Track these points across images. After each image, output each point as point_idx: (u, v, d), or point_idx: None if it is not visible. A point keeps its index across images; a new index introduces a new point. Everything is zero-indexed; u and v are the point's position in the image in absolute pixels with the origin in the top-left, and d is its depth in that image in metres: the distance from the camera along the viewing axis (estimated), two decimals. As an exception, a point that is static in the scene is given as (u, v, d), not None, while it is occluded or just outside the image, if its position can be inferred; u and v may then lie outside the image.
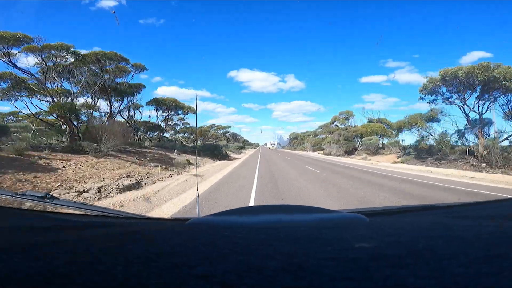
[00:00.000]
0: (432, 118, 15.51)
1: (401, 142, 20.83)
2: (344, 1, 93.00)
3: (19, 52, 10.36)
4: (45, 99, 11.30)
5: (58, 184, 5.23)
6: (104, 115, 15.28)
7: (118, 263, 0.34)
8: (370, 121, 27.94)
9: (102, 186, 5.44)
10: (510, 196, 4.72)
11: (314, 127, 56.72)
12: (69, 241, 0.48)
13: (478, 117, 12.87)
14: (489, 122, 12.94)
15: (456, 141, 13.82)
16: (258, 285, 0.28)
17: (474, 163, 10.94)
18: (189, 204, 4.44)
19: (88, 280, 0.30)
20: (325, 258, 0.35)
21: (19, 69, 10.38)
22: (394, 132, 24.84)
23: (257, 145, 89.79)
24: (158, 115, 21.20)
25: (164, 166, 9.40)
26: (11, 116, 19.67)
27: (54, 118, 11.69)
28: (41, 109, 11.65)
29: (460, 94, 12.93)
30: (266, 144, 77.70)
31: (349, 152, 25.88)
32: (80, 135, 11.04)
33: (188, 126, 29.46)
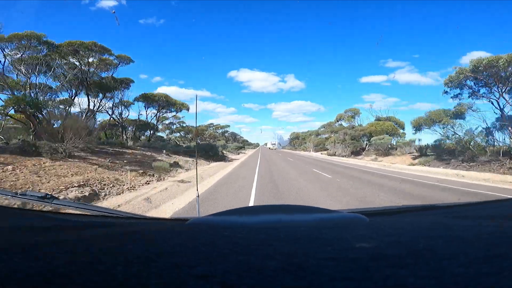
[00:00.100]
0: (459, 114, 13.26)
1: (417, 141, 18.56)
2: (344, 1, 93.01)
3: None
4: (8, 93, 10.01)
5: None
6: (85, 112, 14.05)
7: (118, 263, 0.34)
8: (377, 119, 26.21)
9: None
10: (510, 196, 4.72)
11: (314, 127, 55.77)
12: (69, 241, 0.48)
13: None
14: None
15: (487, 141, 12.09)
16: (258, 285, 0.28)
17: (513, 166, 9.24)
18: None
19: (88, 280, 0.30)
20: (325, 258, 0.35)
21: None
22: (402, 131, 23.65)
23: (257, 145, 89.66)
24: (149, 113, 19.92)
25: (142, 171, 7.80)
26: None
27: (18, 113, 10.43)
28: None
29: (495, 86, 11.39)
30: (266, 144, 76.63)
31: (356, 153, 24.21)
32: (46, 133, 9.48)
33: (185, 125, 28.48)
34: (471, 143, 12.07)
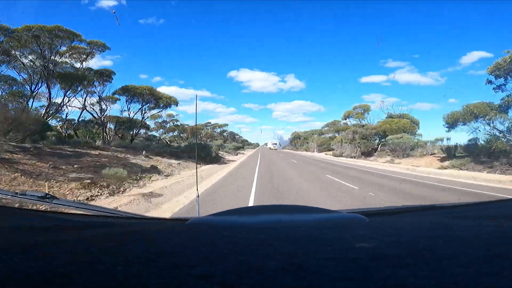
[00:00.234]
0: (509, 107, 11.03)
1: (445, 140, 15.60)
2: (344, 1, 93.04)
3: None
4: None
5: None
6: (45, 107, 12.29)
7: (118, 263, 0.34)
8: (390, 116, 23.49)
9: None
10: (510, 197, 4.72)
11: (314, 127, 53.90)
12: (69, 241, 0.48)
13: None
14: None
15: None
16: (258, 285, 0.28)
17: None
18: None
19: (88, 280, 0.30)
20: (325, 258, 0.35)
21: None
22: (419, 130, 21.10)
23: (257, 145, 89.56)
24: (132, 108, 17.11)
25: (90, 181, 5.60)
26: None
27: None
28: None
29: None
30: (266, 144, 75.68)
31: (367, 154, 21.57)
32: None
33: (179, 123, 27.00)
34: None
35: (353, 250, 0.37)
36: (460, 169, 11.03)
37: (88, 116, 16.25)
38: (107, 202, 4.82)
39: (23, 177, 5.33)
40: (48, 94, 12.24)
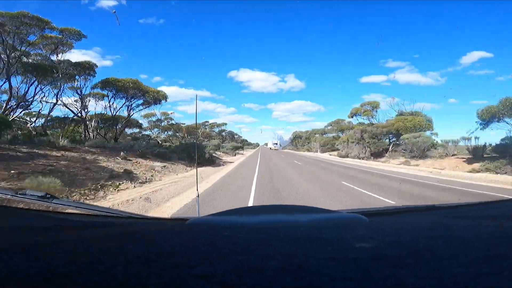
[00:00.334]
0: None
1: (473, 140, 13.55)
2: (344, 1, 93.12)
3: None
4: None
5: None
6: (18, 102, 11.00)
7: (118, 263, 0.34)
8: (401, 114, 21.70)
9: None
10: (510, 197, 4.72)
11: (314, 127, 52.18)
12: (69, 241, 0.48)
13: None
14: None
15: None
16: (258, 285, 0.28)
17: None
18: None
19: (88, 280, 0.30)
20: (325, 258, 0.35)
21: None
22: (434, 129, 18.82)
23: (257, 145, 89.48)
24: (115, 105, 15.04)
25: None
26: None
27: None
28: None
29: None
30: (266, 144, 74.52)
31: (376, 154, 19.62)
32: None
33: (174, 122, 25.48)
34: None
35: (353, 250, 0.37)
36: (497, 172, 9.39)
37: (71, 114, 14.66)
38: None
39: None
40: (9, 88, 10.79)
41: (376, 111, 24.83)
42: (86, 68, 13.37)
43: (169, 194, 5.62)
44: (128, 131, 20.35)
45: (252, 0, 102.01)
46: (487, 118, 11.79)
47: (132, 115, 16.48)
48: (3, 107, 10.86)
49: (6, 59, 10.05)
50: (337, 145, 27.32)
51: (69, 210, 0.88)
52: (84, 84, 14.08)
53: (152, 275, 0.30)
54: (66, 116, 14.83)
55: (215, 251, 0.39)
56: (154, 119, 24.25)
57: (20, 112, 12.12)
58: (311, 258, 0.35)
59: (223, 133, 44.08)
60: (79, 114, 14.53)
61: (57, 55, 12.17)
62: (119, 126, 16.27)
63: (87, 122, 14.83)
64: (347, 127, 30.61)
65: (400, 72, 78.15)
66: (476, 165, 10.95)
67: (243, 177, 8.80)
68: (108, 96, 14.87)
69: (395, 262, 0.33)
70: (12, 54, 10.25)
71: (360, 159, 19.73)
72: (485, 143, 13.17)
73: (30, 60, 11.25)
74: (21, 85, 11.70)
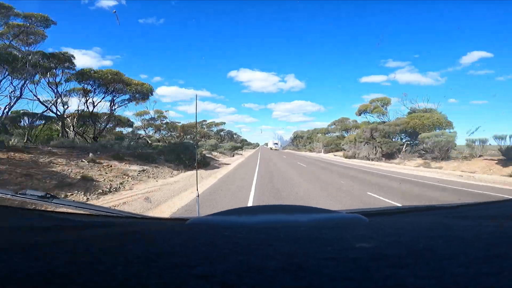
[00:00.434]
0: None
1: (508, 139, 12.08)
2: (344, 1, 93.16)
3: None
4: None
5: None
6: None
7: (118, 263, 0.34)
8: (413, 111, 19.99)
9: None
10: (510, 197, 4.71)
11: (314, 127, 50.60)
12: (69, 241, 0.48)
13: None
14: None
15: None
16: (258, 285, 0.28)
17: None
18: None
19: (88, 280, 0.30)
20: (325, 258, 0.35)
21: None
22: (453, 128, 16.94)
23: (256, 145, 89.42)
24: (94, 99, 12.90)
25: None
26: None
27: None
28: None
29: None
30: (267, 144, 73.43)
31: (388, 155, 17.97)
32: None
33: (169, 121, 23.95)
34: None
35: (353, 250, 0.37)
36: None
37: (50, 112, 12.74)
38: None
39: None
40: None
41: (386, 108, 22.92)
42: (63, 60, 11.27)
43: (135, 210, 4.26)
44: (124, 130, 19.27)
45: (252, 0, 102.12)
46: None
47: (115, 111, 14.34)
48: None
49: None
50: (343, 145, 25.52)
51: (69, 210, 0.88)
52: (61, 77, 12.30)
53: (152, 275, 0.30)
54: (35, 113, 12.99)
55: (215, 251, 0.39)
56: (147, 117, 22.86)
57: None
58: (311, 258, 0.35)
59: (222, 133, 42.65)
60: (56, 111, 12.66)
61: (28, 45, 10.75)
62: (103, 124, 14.28)
63: (65, 120, 13.06)
64: (353, 126, 29.46)
65: (400, 72, 78.30)
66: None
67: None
68: (86, 91, 12.59)
69: (395, 262, 0.33)
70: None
71: (370, 160, 17.91)
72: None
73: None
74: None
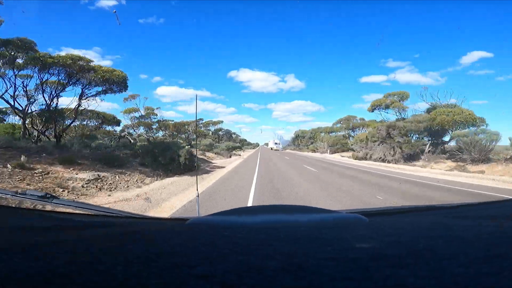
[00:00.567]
0: None
1: None
2: (344, 1, 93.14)
3: None
4: None
5: None
6: None
7: (118, 263, 0.34)
8: (434, 107, 17.53)
9: None
10: (510, 197, 4.71)
11: (314, 127, 48.37)
12: (69, 241, 0.48)
13: None
14: None
15: None
16: (258, 285, 0.28)
17: None
18: None
19: (88, 280, 0.30)
20: (325, 258, 0.35)
21: None
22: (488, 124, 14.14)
23: (256, 145, 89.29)
24: (57, 93, 9.83)
25: None
26: None
27: None
28: None
29: None
30: (267, 144, 71.71)
31: (408, 157, 15.35)
32: None
33: (161, 119, 21.64)
34: None
35: (353, 250, 0.37)
36: None
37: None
38: None
39: None
40: None
41: (403, 103, 19.73)
42: (22, 48, 9.01)
43: None
44: (115, 130, 17.79)
45: (252, 0, 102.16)
46: None
47: (92, 106, 11.42)
48: None
49: None
50: (352, 145, 23.12)
51: (69, 210, 0.88)
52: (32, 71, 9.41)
53: (152, 275, 0.30)
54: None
55: (215, 251, 0.39)
56: (137, 115, 20.31)
57: None
58: (311, 258, 0.35)
59: (220, 132, 40.52)
60: (14, 104, 9.70)
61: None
62: (68, 121, 11.63)
63: (27, 116, 10.50)
64: (361, 124, 27.66)
65: (400, 72, 77.88)
66: None
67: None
68: (41, 79, 9.70)
69: (395, 262, 0.33)
70: None
71: (386, 162, 15.35)
72: None
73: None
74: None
